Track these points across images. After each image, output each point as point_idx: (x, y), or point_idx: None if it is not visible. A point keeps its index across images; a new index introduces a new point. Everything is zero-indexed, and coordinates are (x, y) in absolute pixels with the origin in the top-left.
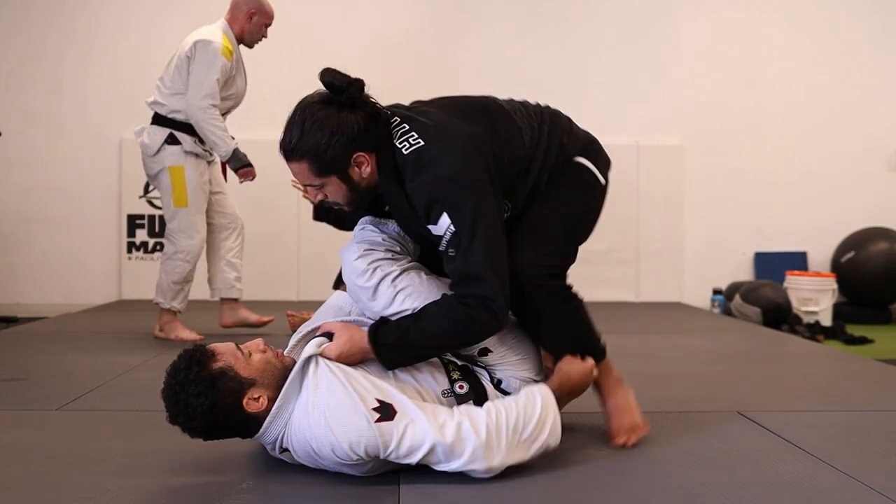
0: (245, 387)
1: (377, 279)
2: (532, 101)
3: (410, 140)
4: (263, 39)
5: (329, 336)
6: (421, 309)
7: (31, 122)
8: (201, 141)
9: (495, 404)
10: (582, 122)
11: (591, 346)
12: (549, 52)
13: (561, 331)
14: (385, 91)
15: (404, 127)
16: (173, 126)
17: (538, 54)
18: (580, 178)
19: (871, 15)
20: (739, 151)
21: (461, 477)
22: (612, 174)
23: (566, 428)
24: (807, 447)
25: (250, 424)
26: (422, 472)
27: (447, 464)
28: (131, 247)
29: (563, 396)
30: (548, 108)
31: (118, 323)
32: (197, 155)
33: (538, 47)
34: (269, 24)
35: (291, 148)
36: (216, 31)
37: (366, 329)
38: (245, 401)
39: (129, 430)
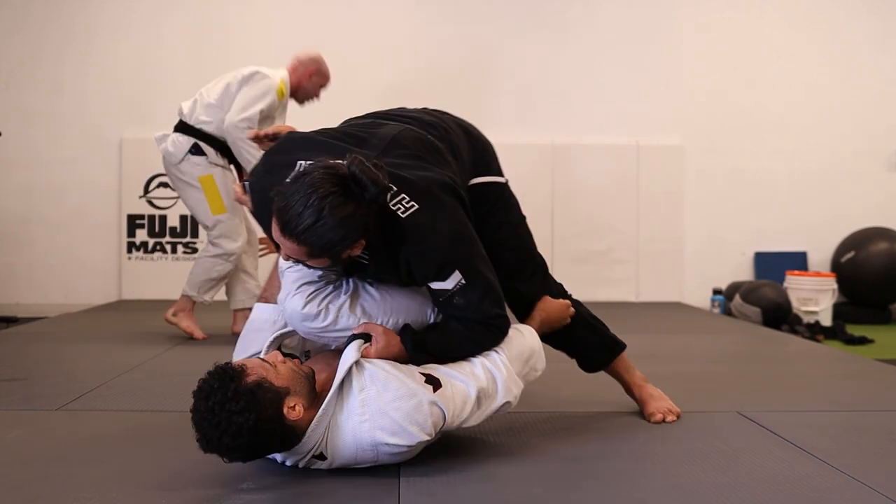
0: (282, 396)
1: (333, 315)
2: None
3: (404, 203)
4: (315, 100)
5: (365, 337)
6: (443, 322)
7: (32, 122)
8: (222, 155)
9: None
10: (582, 123)
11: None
12: (550, 53)
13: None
14: (387, 90)
15: (393, 188)
16: (198, 136)
17: (539, 54)
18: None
19: (870, 15)
20: (739, 151)
21: (460, 475)
22: (613, 174)
23: (567, 429)
24: (807, 447)
25: (290, 435)
26: (422, 470)
27: (487, 409)
28: (131, 247)
29: (545, 330)
30: (445, 123)
31: (118, 323)
32: (221, 167)
33: (539, 47)
34: (325, 87)
35: (298, 231)
36: (277, 72)
37: (403, 341)
38: (285, 410)
39: (129, 430)
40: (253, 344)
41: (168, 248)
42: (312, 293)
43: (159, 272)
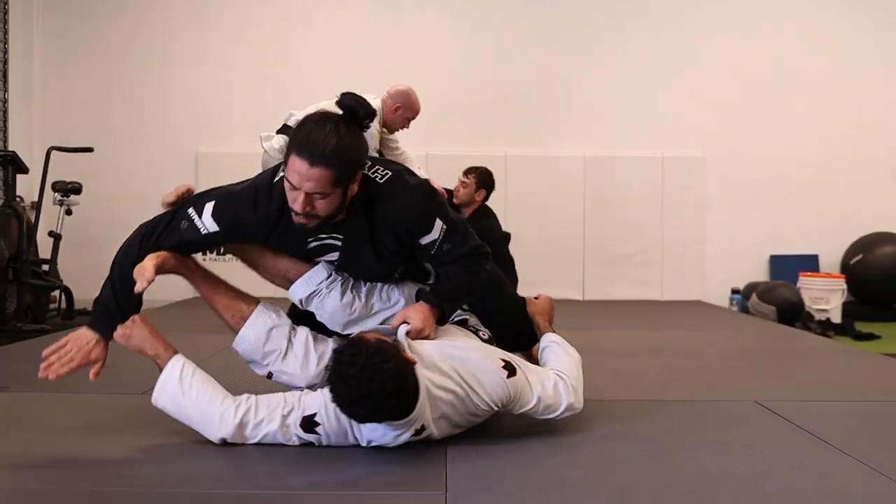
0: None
1: (364, 297)
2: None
3: (380, 172)
4: (405, 129)
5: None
6: (441, 273)
7: (117, 138)
8: None
9: (557, 362)
10: (611, 137)
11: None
12: (582, 72)
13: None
14: (431, 107)
15: (369, 161)
16: None
17: (571, 73)
18: None
19: (880, 31)
20: (756, 162)
21: (503, 458)
22: (640, 184)
23: (596, 417)
24: (821, 434)
25: (414, 394)
26: (467, 453)
27: (545, 415)
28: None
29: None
30: None
31: (194, 317)
32: None
33: (573, 68)
34: (412, 119)
35: (327, 153)
36: (374, 103)
37: (423, 304)
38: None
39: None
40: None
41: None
42: (342, 287)
43: (231, 272)
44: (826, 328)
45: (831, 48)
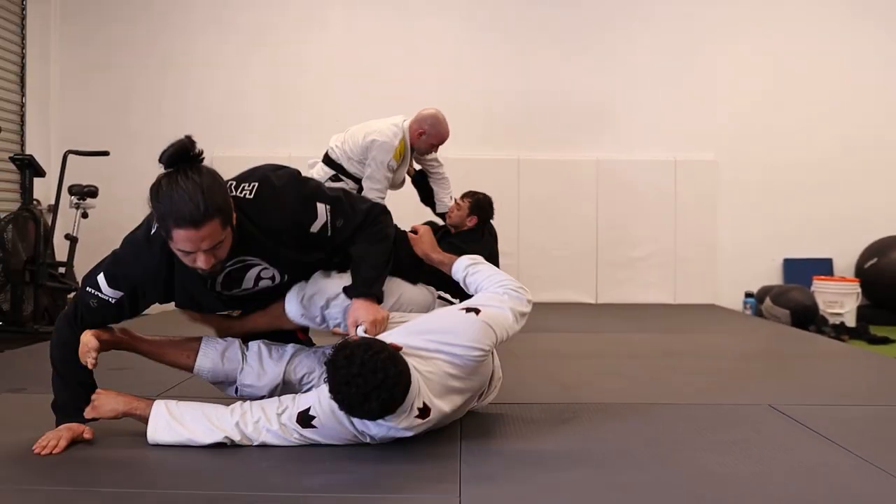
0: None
1: (319, 302)
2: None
3: (247, 187)
4: (434, 153)
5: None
6: (354, 255)
7: (134, 141)
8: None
9: (487, 279)
10: (624, 141)
11: None
12: (595, 76)
13: None
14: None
15: (231, 181)
16: (340, 170)
17: (584, 78)
18: None
19: (892, 33)
20: (768, 166)
21: (516, 459)
22: (652, 187)
23: (612, 418)
24: (834, 438)
25: (409, 382)
26: (481, 453)
27: (523, 320)
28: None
29: None
30: None
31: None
32: None
33: (584, 71)
34: (437, 144)
35: (204, 212)
36: (398, 133)
37: (358, 299)
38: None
39: None
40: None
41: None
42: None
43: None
44: (840, 332)
45: (844, 49)
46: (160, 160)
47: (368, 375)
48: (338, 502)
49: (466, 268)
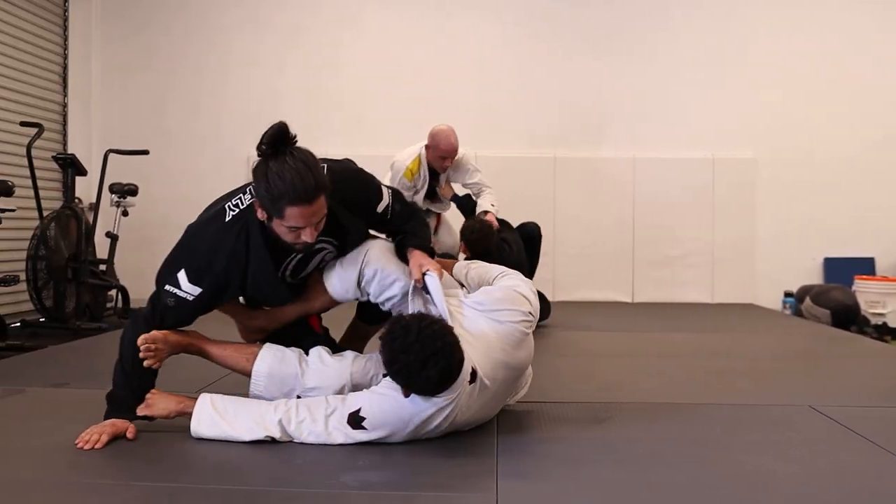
0: None
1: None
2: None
3: (322, 166)
4: (446, 166)
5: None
6: (413, 229)
7: (172, 142)
8: None
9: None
10: (662, 139)
11: None
12: (633, 75)
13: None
14: (478, 110)
15: None
16: None
17: (623, 77)
18: None
19: None
20: (808, 164)
21: (551, 458)
22: (690, 185)
23: (649, 419)
24: (876, 440)
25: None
26: (516, 452)
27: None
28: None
29: None
30: None
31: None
32: None
33: (623, 70)
34: (445, 157)
35: (315, 187)
36: (412, 155)
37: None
38: None
39: None
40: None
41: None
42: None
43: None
44: (882, 332)
45: (884, 46)
46: (260, 144)
47: (426, 342)
48: (374, 499)
49: (467, 265)
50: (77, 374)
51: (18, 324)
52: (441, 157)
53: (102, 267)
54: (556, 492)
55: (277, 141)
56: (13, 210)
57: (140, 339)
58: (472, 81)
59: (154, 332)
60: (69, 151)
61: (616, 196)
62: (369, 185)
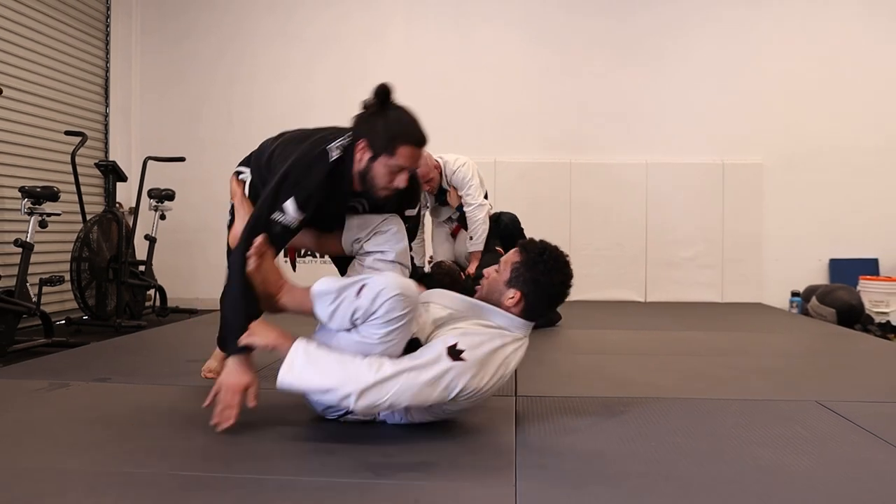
0: None
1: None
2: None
3: None
4: (427, 188)
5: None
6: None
7: (206, 149)
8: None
9: None
10: (673, 144)
11: None
12: (645, 82)
13: None
14: (498, 118)
15: None
16: None
17: (635, 83)
18: None
19: None
20: (815, 168)
21: (570, 451)
22: (700, 189)
23: (662, 413)
24: (881, 434)
25: None
26: (535, 444)
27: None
28: (284, 252)
29: None
30: None
31: (278, 315)
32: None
33: (636, 77)
34: (422, 177)
35: (425, 136)
36: None
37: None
38: None
39: (291, 406)
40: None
41: (315, 253)
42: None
43: (307, 273)
44: (886, 331)
45: (890, 51)
46: (375, 94)
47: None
48: (395, 489)
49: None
50: (118, 370)
51: (64, 322)
52: (424, 179)
53: (142, 268)
54: (576, 485)
55: (388, 96)
56: (59, 214)
57: (257, 240)
58: (493, 91)
59: (262, 240)
60: (110, 159)
61: (630, 200)
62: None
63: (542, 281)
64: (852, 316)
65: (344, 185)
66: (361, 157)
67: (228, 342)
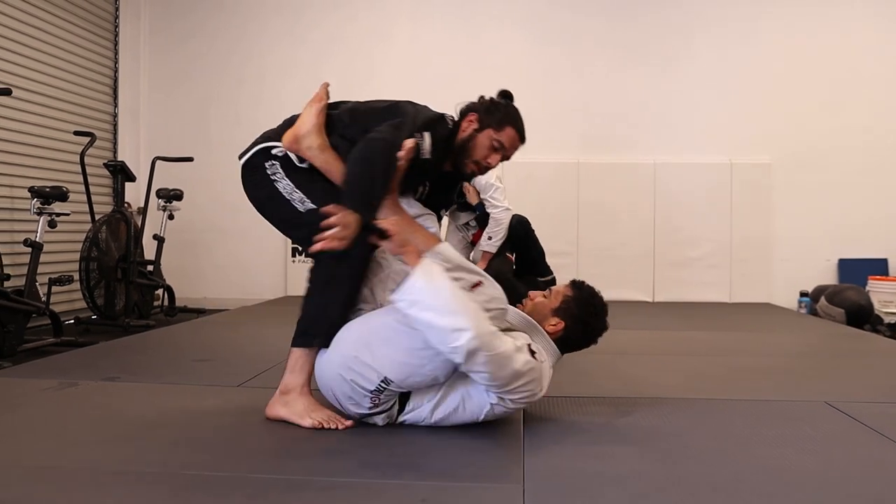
0: None
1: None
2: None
3: None
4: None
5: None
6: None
7: (214, 150)
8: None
9: None
10: (680, 144)
11: None
12: (653, 82)
13: None
14: None
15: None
16: None
17: (643, 83)
18: None
19: None
20: (824, 168)
21: (578, 450)
22: (708, 189)
23: (669, 412)
24: (891, 435)
25: None
26: (544, 445)
27: None
28: (294, 252)
29: None
30: None
31: (286, 314)
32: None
33: (644, 77)
34: None
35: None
36: None
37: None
38: None
39: None
40: None
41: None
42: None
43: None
44: (895, 331)
45: None
46: (501, 94)
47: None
48: (403, 489)
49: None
50: (127, 369)
51: (73, 321)
52: None
53: (150, 267)
54: (584, 485)
55: (510, 97)
56: (68, 214)
57: (409, 142)
58: (494, 88)
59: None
60: (119, 159)
61: (638, 200)
62: None
63: (587, 322)
64: (861, 316)
65: (437, 155)
66: (468, 126)
67: (357, 200)
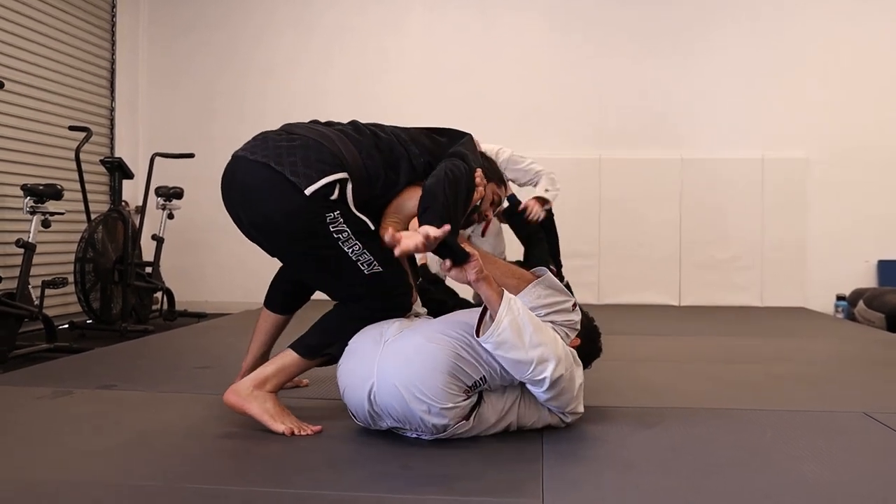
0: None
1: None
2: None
3: None
4: None
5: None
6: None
7: (217, 146)
8: None
9: None
10: (709, 138)
11: None
12: (681, 73)
13: None
14: (522, 111)
15: None
16: None
17: (670, 76)
18: None
19: None
20: (862, 164)
21: (598, 463)
22: (739, 186)
23: (697, 423)
24: None
25: None
26: (563, 457)
27: None
28: None
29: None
30: None
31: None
32: None
33: (669, 70)
34: None
35: None
36: None
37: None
38: None
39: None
40: None
41: None
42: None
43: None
44: None
45: None
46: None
47: None
48: (415, 503)
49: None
50: (124, 376)
51: (67, 326)
52: None
53: (148, 269)
54: (605, 500)
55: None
56: (62, 213)
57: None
58: (517, 83)
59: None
60: (116, 155)
61: (662, 197)
62: None
63: (594, 340)
64: None
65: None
66: (482, 180)
67: (433, 214)
